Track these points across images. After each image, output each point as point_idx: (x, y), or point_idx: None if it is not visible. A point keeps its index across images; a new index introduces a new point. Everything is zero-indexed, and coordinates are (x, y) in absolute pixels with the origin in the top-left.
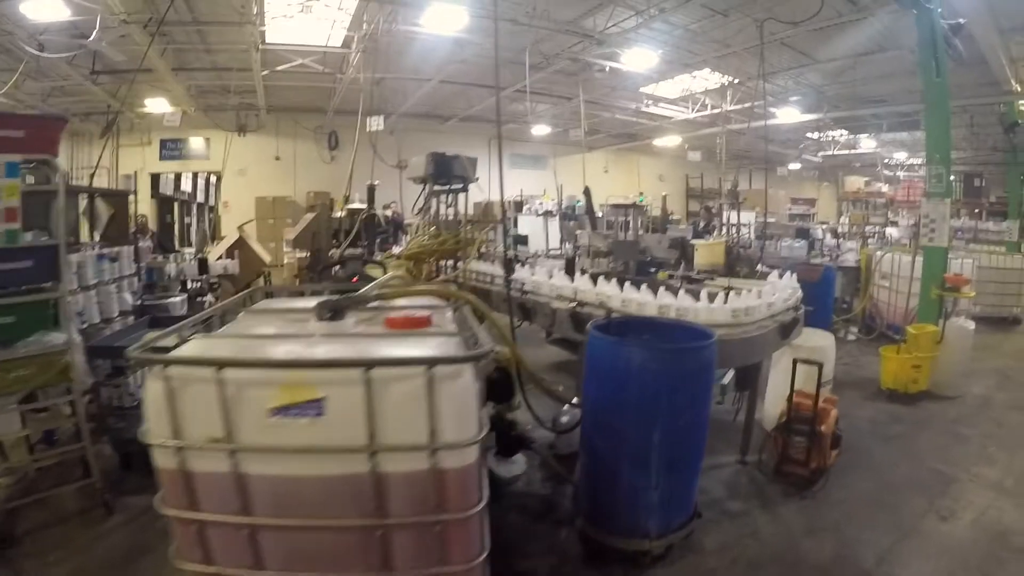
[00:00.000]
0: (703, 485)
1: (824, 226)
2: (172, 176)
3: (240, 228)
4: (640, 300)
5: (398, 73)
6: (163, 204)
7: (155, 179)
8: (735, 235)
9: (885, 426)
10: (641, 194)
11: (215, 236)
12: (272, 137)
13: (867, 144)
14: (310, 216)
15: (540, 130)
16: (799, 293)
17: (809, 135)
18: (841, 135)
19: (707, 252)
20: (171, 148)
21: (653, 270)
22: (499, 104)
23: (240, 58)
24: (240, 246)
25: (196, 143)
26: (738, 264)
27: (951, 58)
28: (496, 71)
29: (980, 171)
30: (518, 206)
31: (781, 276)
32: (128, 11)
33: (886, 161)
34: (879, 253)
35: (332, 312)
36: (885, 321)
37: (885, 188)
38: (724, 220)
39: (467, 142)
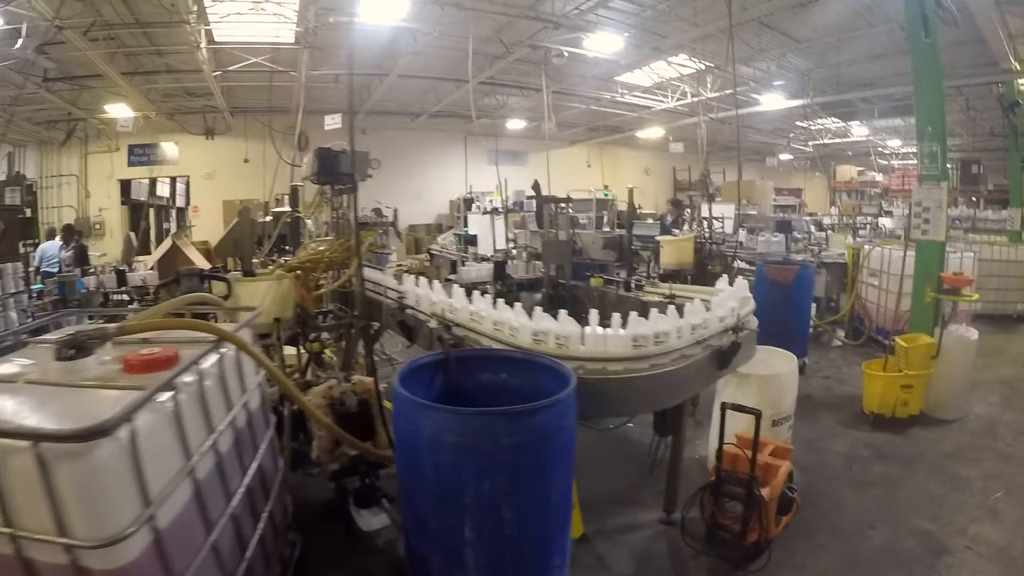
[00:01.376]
0: (606, 555)
1: (808, 218)
2: (147, 181)
3: (177, 235)
4: (515, 324)
5: (354, 69)
6: (136, 210)
7: (125, 185)
8: (707, 230)
9: (863, 465)
10: (607, 187)
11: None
12: (241, 140)
13: (859, 132)
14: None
15: (516, 124)
16: (750, 305)
17: (799, 123)
18: (833, 123)
19: (674, 249)
20: (139, 154)
21: (589, 274)
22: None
23: (192, 60)
24: (175, 255)
25: (165, 148)
26: (710, 262)
27: (943, 21)
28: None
29: (977, 157)
30: (467, 203)
31: (733, 280)
32: (63, 16)
33: (879, 149)
34: (867, 247)
35: (76, 349)
36: (874, 324)
37: (879, 177)
38: (697, 214)
39: (443, 138)
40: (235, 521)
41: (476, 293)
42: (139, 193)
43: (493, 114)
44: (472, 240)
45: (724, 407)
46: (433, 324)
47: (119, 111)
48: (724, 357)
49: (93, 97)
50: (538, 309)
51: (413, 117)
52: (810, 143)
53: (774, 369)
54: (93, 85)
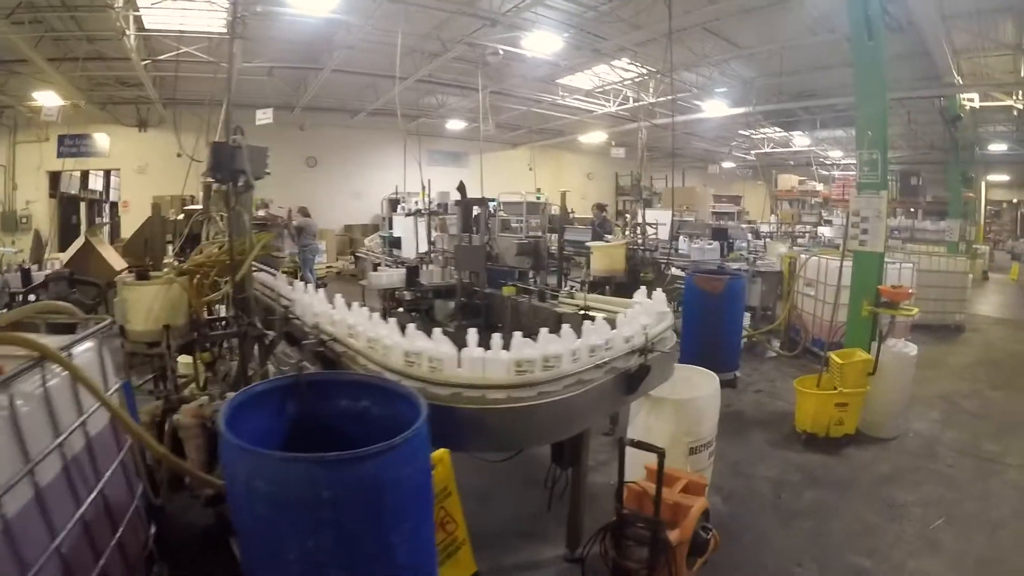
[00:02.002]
0: None
1: (745, 225)
2: (78, 174)
3: (92, 231)
4: (388, 343)
5: (288, 62)
6: (67, 204)
7: (55, 177)
8: (639, 236)
9: (793, 492)
10: (539, 190)
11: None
12: (173, 132)
13: (800, 142)
14: None
15: (455, 125)
16: (666, 321)
17: (742, 132)
18: (775, 132)
19: (604, 256)
20: (68, 145)
21: (503, 281)
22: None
23: (122, 47)
24: (88, 252)
25: (97, 139)
26: (643, 269)
27: (887, 27)
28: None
29: (917, 169)
30: (393, 204)
31: (651, 293)
32: None
33: (821, 159)
34: (803, 256)
35: None
36: (810, 336)
37: (820, 187)
38: (629, 219)
39: (383, 137)
40: (62, 559)
41: (355, 305)
42: (70, 186)
43: (433, 114)
44: (396, 243)
45: (622, 443)
46: (312, 340)
47: (47, 99)
48: (631, 381)
49: (21, 83)
50: (411, 326)
51: (352, 115)
52: (752, 152)
53: (691, 392)
54: (19, 71)
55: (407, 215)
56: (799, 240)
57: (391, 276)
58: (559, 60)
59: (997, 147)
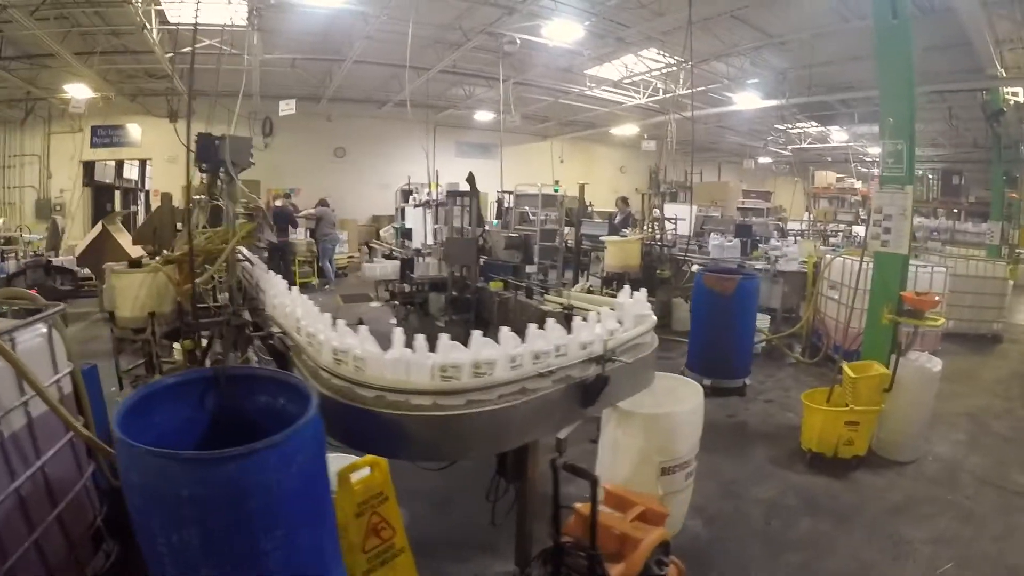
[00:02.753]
0: None
1: (772, 221)
2: (112, 163)
3: (110, 218)
4: (320, 338)
5: (309, 54)
6: (101, 192)
7: (89, 167)
8: (657, 231)
9: (787, 520)
10: (557, 183)
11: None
12: (204, 124)
13: (838, 137)
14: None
15: (483, 116)
16: (642, 326)
17: (777, 127)
18: (812, 127)
19: (618, 251)
20: (102, 135)
21: (492, 276)
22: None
23: (145, 40)
24: (105, 240)
25: (130, 130)
26: (660, 265)
27: (915, 6)
28: None
29: (959, 168)
30: (405, 195)
31: (635, 292)
32: None
33: (860, 156)
34: (828, 256)
35: None
36: (832, 342)
37: (858, 184)
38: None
39: (408, 127)
40: None
41: (304, 297)
42: (104, 175)
43: (460, 105)
44: (407, 233)
45: (555, 466)
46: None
47: (78, 91)
48: (588, 392)
49: (52, 76)
50: (341, 322)
51: (379, 105)
52: (789, 147)
53: (668, 406)
54: (50, 64)
55: (415, 206)
56: (831, 239)
57: (385, 268)
58: (582, 49)
59: None
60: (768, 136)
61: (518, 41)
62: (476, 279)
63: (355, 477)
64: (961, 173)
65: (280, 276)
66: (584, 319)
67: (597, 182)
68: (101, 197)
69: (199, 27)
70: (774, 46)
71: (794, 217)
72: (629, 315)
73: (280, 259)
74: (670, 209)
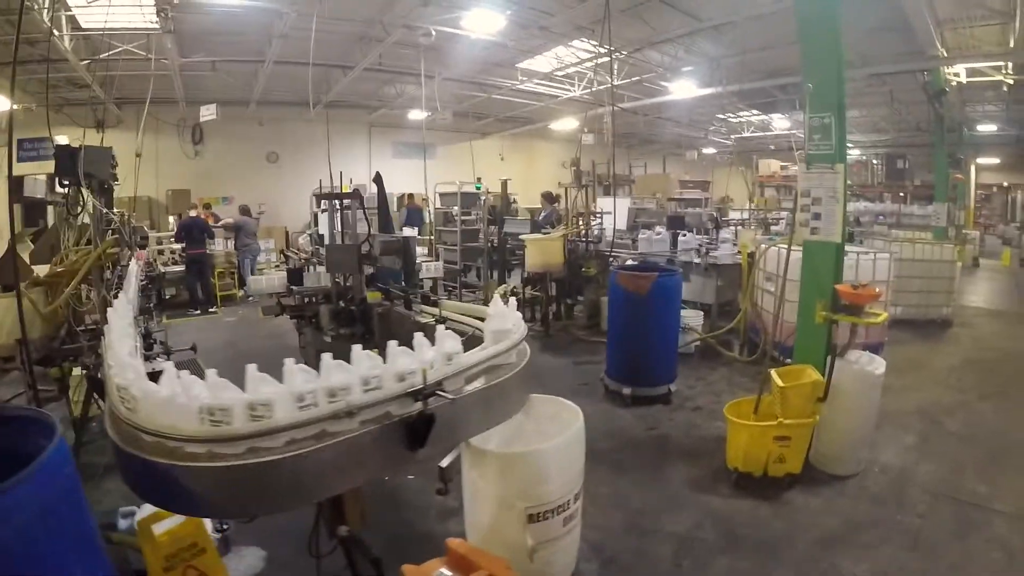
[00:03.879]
0: None
1: (706, 211)
2: (43, 177)
3: (20, 236)
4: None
5: (230, 55)
6: (33, 209)
7: (18, 182)
8: (583, 226)
9: (701, 559)
10: (479, 180)
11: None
12: (133, 133)
13: (781, 125)
14: None
15: (417, 115)
16: (505, 343)
17: (719, 116)
18: (754, 115)
19: (538, 250)
20: (28, 148)
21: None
22: None
23: (59, 48)
24: (9, 260)
25: (60, 142)
26: (585, 263)
27: None
28: None
29: (903, 152)
30: (318, 199)
31: (507, 297)
32: None
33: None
34: (763, 246)
35: None
36: (771, 338)
37: None
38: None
39: (346, 129)
40: None
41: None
42: (35, 190)
43: (392, 104)
44: (321, 240)
45: (340, 539)
46: None
47: None
48: (414, 432)
49: None
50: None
51: (310, 107)
52: (732, 136)
53: (530, 440)
54: None
55: (322, 211)
56: (772, 227)
57: (271, 280)
58: (507, 41)
59: (987, 128)
60: (710, 126)
61: (433, 33)
62: (361, 289)
63: (161, 528)
64: (905, 157)
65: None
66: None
67: (539, 179)
68: (33, 213)
69: (112, 32)
70: (708, 32)
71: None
72: (488, 331)
73: (197, 272)
74: (604, 203)
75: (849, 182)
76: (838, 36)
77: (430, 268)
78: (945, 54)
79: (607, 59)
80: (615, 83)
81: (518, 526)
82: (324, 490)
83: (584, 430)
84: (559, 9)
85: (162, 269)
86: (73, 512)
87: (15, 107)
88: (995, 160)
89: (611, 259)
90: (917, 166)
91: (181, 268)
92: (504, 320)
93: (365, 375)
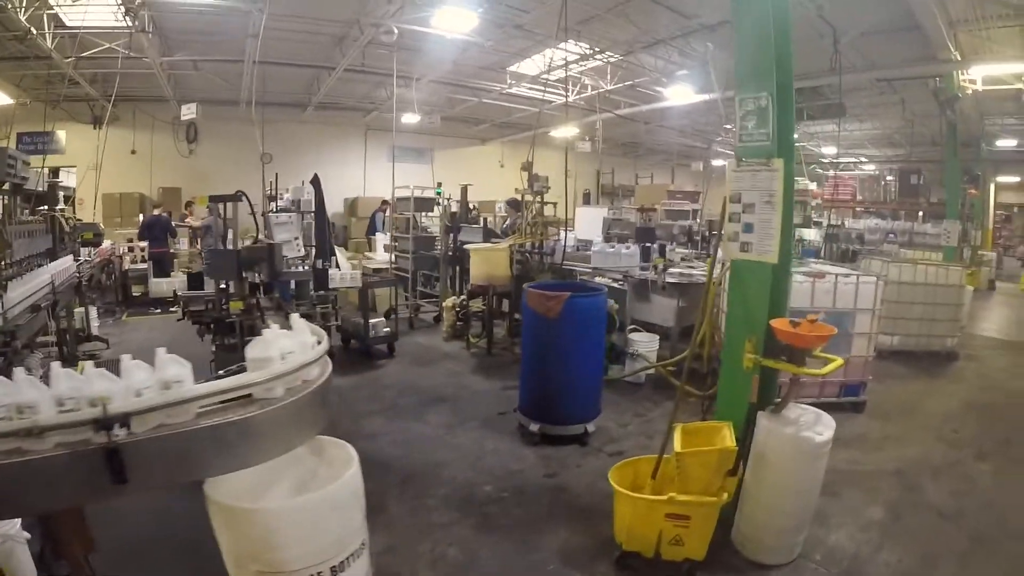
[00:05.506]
0: None
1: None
2: (46, 171)
3: None
4: None
5: (212, 55)
6: (35, 201)
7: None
8: (537, 236)
9: None
10: (439, 185)
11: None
12: (128, 130)
13: None
14: None
15: (410, 119)
16: (259, 374)
17: (727, 126)
18: None
19: (482, 261)
20: (27, 143)
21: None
22: None
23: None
24: None
25: (59, 136)
26: (539, 276)
27: None
28: None
29: (917, 168)
30: (271, 200)
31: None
32: None
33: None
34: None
35: None
36: None
37: (812, 185)
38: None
39: (341, 131)
40: None
41: None
42: (38, 183)
43: (381, 106)
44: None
45: None
46: None
47: None
48: (114, 462)
49: None
50: None
51: (303, 109)
52: None
53: (265, 495)
54: None
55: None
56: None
57: (172, 283)
58: (484, 40)
59: (1006, 143)
60: (717, 137)
61: (396, 30)
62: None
63: None
64: (920, 172)
65: None
66: None
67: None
68: (35, 206)
69: (89, 30)
70: (701, 33)
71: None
72: (248, 359)
73: (160, 272)
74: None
75: (860, 197)
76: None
77: (345, 278)
78: (959, 57)
79: (598, 62)
80: (608, 88)
81: None
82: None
83: (355, 485)
84: (533, 6)
85: (129, 266)
86: None
87: (12, 102)
88: (1016, 178)
89: (569, 273)
90: (933, 183)
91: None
92: (267, 347)
93: (60, 395)
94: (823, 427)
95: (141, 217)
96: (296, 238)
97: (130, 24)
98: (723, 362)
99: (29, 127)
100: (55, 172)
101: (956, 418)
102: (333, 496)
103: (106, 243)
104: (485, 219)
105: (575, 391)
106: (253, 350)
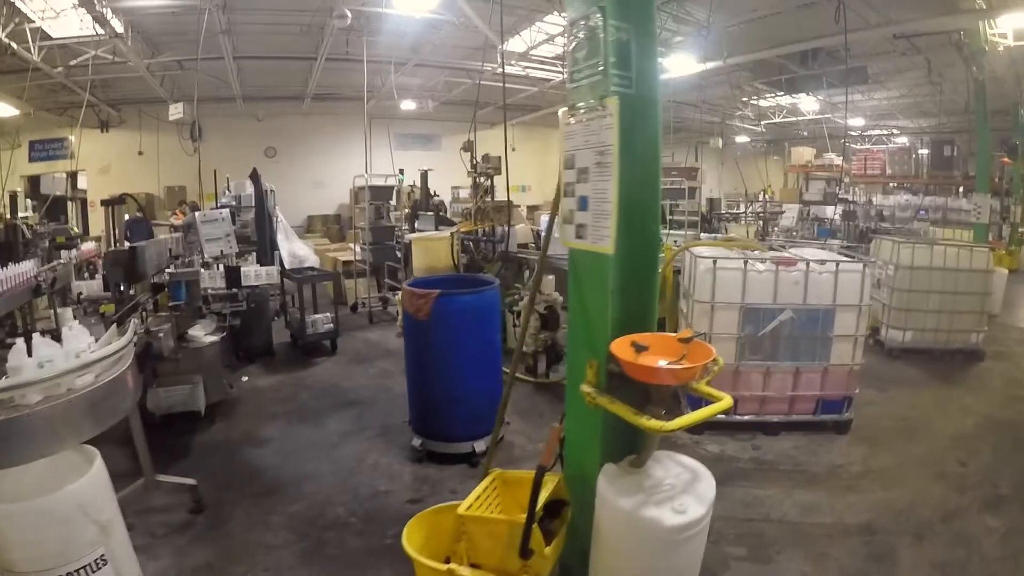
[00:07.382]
0: None
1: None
2: (62, 175)
3: None
4: None
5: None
6: (54, 205)
7: (34, 181)
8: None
9: None
10: (401, 171)
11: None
12: (135, 132)
13: (809, 107)
14: None
15: (408, 105)
16: None
17: (745, 99)
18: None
19: (422, 251)
20: (39, 150)
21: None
22: None
23: (50, 56)
24: None
25: (67, 143)
26: (488, 266)
27: None
28: None
29: (951, 138)
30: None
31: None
32: None
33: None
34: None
35: None
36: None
37: (837, 159)
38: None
39: (343, 122)
40: None
41: None
42: (53, 188)
43: (378, 93)
44: None
45: None
46: None
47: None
48: None
49: None
50: None
51: (303, 101)
52: (762, 123)
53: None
54: None
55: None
56: (768, 223)
57: (91, 285)
58: (455, 17)
59: None
60: (736, 111)
61: (348, 14)
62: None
63: None
64: (954, 143)
65: None
66: None
67: (556, 169)
68: (55, 210)
69: (77, 39)
70: None
71: (784, 201)
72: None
73: None
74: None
75: (889, 171)
76: None
77: (261, 275)
78: (983, 5)
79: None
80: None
81: None
82: None
83: (82, 498)
84: None
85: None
86: None
87: (16, 112)
88: None
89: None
90: (969, 155)
91: None
92: (20, 355)
93: None
94: (692, 498)
95: (127, 217)
96: (228, 235)
97: (101, 32)
98: (567, 391)
99: (40, 135)
100: (74, 177)
101: (967, 443)
102: (50, 507)
103: (91, 244)
104: (438, 206)
105: (458, 404)
106: (11, 357)
